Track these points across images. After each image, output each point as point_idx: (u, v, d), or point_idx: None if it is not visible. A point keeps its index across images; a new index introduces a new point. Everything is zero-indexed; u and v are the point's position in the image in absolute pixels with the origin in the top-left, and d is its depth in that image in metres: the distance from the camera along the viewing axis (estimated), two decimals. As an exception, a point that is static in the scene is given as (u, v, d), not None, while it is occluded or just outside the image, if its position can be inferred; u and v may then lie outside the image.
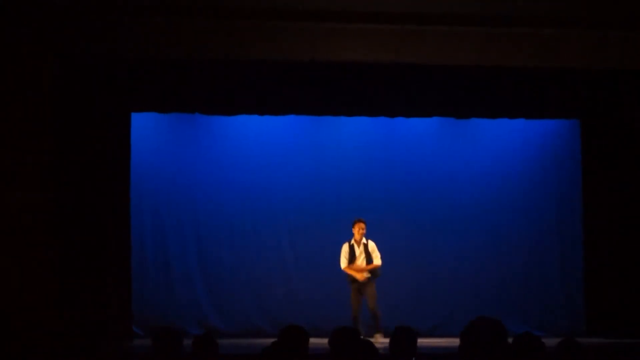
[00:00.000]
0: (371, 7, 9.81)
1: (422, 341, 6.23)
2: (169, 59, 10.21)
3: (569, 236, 12.23)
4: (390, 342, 5.00)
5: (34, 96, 9.55)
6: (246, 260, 11.96)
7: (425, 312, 11.85)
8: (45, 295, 9.39)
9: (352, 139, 12.27)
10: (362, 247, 10.99)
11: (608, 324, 11.46)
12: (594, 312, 11.78)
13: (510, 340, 3.70)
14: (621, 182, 11.56)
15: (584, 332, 11.63)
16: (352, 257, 10.96)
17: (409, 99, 11.02)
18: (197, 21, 9.81)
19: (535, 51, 10.21)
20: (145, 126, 11.55)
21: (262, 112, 11.33)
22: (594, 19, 10.06)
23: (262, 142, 12.09)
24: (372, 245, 11.00)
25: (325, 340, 4.72)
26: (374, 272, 10.96)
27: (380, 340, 10.09)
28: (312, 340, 5.08)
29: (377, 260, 10.96)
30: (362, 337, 4.87)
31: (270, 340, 4.60)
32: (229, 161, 12.05)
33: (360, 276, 10.88)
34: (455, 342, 3.75)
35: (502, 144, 12.40)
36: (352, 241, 11.01)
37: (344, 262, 10.98)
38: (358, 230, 10.94)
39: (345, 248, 11.02)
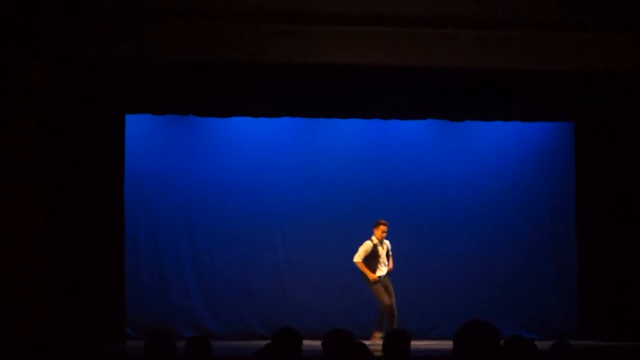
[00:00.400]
0: (364, 10, 9.82)
1: (415, 343, 6.23)
2: (163, 61, 10.22)
3: (563, 238, 12.23)
4: (384, 345, 5.01)
5: (27, 98, 9.54)
6: (240, 263, 11.93)
7: (419, 315, 11.84)
8: (39, 297, 9.38)
9: (346, 141, 12.25)
10: (384, 248, 11.20)
11: (601, 326, 11.48)
12: (588, 315, 11.79)
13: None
14: (614, 185, 11.59)
15: (578, 334, 11.62)
16: (374, 255, 11.15)
17: (402, 101, 11.05)
18: (191, 24, 9.82)
19: (528, 54, 10.24)
20: (139, 128, 11.53)
21: (256, 114, 11.34)
22: (587, 22, 10.09)
23: (256, 144, 12.07)
24: (389, 246, 11.28)
25: (318, 342, 4.73)
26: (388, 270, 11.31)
27: (378, 342, 10.04)
28: (306, 342, 5.08)
29: (391, 261, 11.32)
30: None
31: (263, 342, 4.61)
32: (223, 163, 12.03)
33: (371, 276, 11.07)
34: (449, 344, 3.75)
35: (496, 146, 12.40)
36: (375, 240, 11.15)
37: (360, 257, 11.13)
38: (381, 233, 11.14)
39: (368, 245, 11.17)
